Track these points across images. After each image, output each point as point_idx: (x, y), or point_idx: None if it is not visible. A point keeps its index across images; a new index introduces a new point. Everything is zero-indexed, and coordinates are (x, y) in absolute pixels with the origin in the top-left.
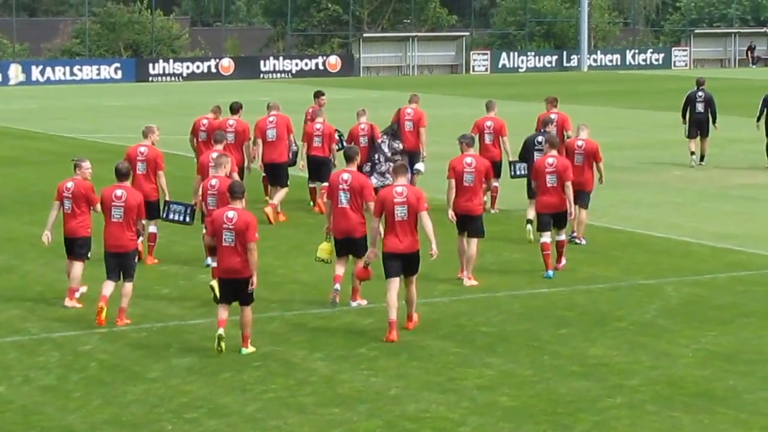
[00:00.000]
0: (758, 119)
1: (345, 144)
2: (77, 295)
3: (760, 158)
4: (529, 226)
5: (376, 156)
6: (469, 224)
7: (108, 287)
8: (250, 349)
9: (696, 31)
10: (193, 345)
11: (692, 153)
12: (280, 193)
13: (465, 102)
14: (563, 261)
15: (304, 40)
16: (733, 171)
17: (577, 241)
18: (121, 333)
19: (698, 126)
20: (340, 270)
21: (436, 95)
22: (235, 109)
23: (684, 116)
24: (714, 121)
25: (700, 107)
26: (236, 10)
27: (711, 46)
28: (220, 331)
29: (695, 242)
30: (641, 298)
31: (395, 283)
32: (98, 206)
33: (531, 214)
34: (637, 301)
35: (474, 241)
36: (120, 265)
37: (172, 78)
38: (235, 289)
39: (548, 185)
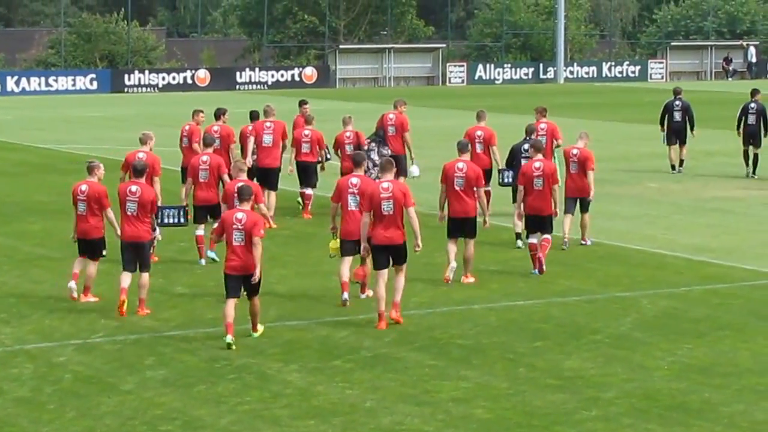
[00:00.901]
0: (738, 127)
1: (332, 151)
2: (74, 290)
3: (736, 171)
4: (519, 242)
5: (365, 164)
6: (464, 227)
7: (126, 279)
8: (260, 330)
9: (672, 43)
10: (168, 357)
11: (672, 165)
12: (271, 199)
13: (441, 114)
14: (543, 260)
15: (280, 51)
16: (708, 184)
17: (583, 242)
18: (95, 345)
19: (676, 134)
20: (345, 275)
21: (412, 107)
22: (218, 114)
23: (662, 124)
24: (692, 129)
25: (677, 116)
26: (212, 21)
27: (687, 59)
28: (229, 339)
29: (671, 255)
30: (617, 311)
31: (384, 274)
32: (109, 211)
33: (519, 227)
34: (612, 313)
35: (471, 241)
36: (136, 255)
37: (148, 89)
38: (244, 283)
39: (535, 188)
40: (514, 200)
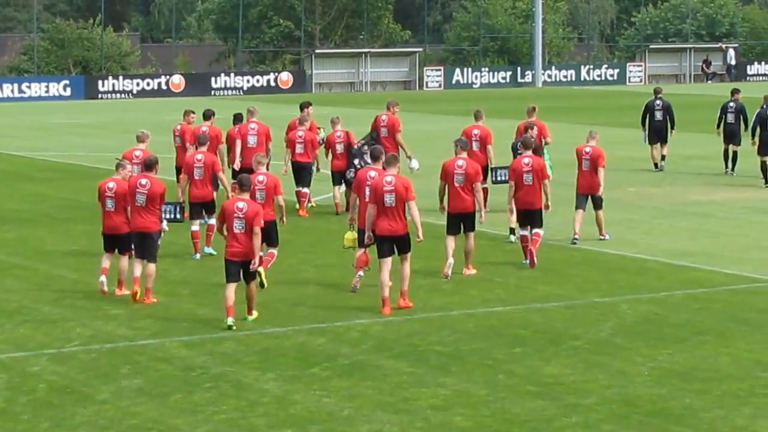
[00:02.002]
0: (718, 126)
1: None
2: (105, 284)
3: (716, 174)
4: (512, 237)
5: (357, 161)
6: (464, 221)
7: (138, 268)
8: (255, 315)
9: (651, 46)
10: (143, 366)
11: (655, 163)
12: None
13: (418, 118)
14: (535, 254)
15: (255, 56)
16: (688, 188)
17: (602, 237)
18: (70, 354)
19: (657, 133)
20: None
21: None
22: (207, 115)
23: (643, 124)
24: (673, 127)
25: (658, 115)
26: (187, 26)
27: (666, 62)
28: (230, 321)
29: (651, 259)
30: (596, 317)
31: (387, 262)
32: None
33: (512, 222)
34: (592, 319)
35: (471, 234)
36: (143, 245)
37: (122, 95)
38: (243, 270)
39: (525, 183)
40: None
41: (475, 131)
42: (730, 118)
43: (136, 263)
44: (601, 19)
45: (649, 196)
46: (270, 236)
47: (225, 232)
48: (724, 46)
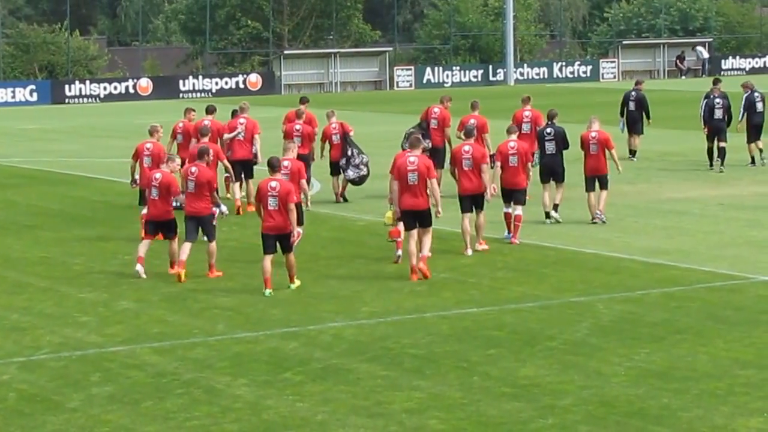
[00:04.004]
0: (703, 120)
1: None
2: (142, 272)
3: (691, 171)
4: (549, 215)
5: (350, 150)
6: (475, 201)
7: (185, 250)
8: (297, 283)
9: (624, 42)
10: (114, 373)
11: (631, 151)
12: (249, 187)
13: (389, 119)
14: (517, 237)
15: (223, 58)
16: (663, 185)
17: (598, 219)
18: (39, 362)
19: (633, 124)
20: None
21: (359, 112)
22: (210, 110)
23: (621, 114)
24: (648, 118)
25: (632, 106)
26: (154, 29)
27: (639, 58)
28: (268, 292)
29: (626, 258)
30: (572, 317)
31: (413, 234)
32: (181, 197)
33: (556, 198)
34: (568, 319)
35: (482, 212)
36: (198, 226)
37: (89, 99)
38: (279, 242)
39: (510, 165)
40: (543, 181)
41: (472, 121)
42: (718, 114)
43: (186, 244)
44: (573, 16)
45: (623, 193)
46: (297, 216)
47: (261, 211)
48: (692, 47)
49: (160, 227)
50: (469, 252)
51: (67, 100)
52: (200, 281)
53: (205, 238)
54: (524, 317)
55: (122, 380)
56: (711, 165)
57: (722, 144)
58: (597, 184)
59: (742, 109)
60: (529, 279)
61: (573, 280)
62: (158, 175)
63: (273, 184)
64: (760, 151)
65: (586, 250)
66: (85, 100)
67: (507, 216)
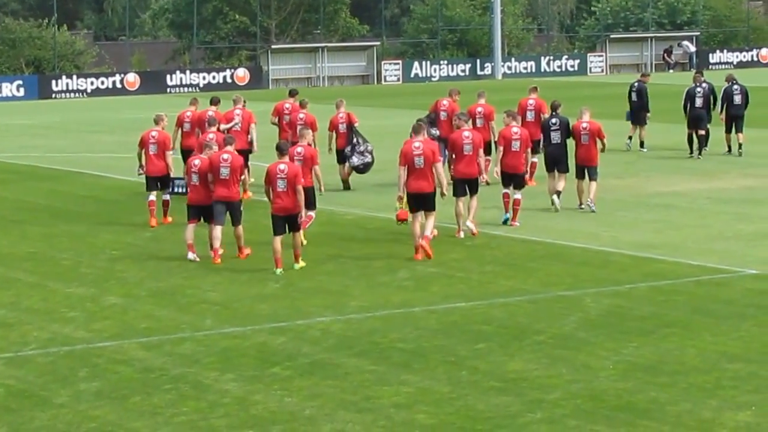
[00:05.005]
0: (684, 110)
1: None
2: (195, 257)
3: (679, 165)
4: (554, 199)
5: (355, 139)
6: (470, 186)
7: (218, 235)
8: (301, 263)
9: (611, 36)
10: (102, 368)
11: (640, 142)
12: (246, 176)
13: (376, 113)
14: (517, 220)
15: (211, 53)
16: (651, 179)
17: (590, 206)
18: (27, 358)
19: (634, 114)
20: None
21: (347, 106)
22: (215, 101)
23: (629, 104)
24: (647, 111)
25: (634, 96)
26: (141, 23)
27: (627, 51)
28: (279, 271)
29: (614, 252)
30: (560, 311)
31: (418, 216)
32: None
33: (558, 185)
34: (556, 313)
35: (475, 196)
36: (228, 210)
37: (77, 94)
38: (288, 222)
39: (512, 150)
40: (548, 170)
41: (479, 108)
42: (699, 102)
43: (215, 228)
44: (560, 10)
45: (611, 188)
46: (309, 200)
47: (270, 194)
48: (678, 42)
49: (202, 211)
50: (461, 235)
51: (54, 95)
52: (189, 276)
53: (232, 222)
54: (512, 311)
55: (110, 376)
56: (691, 153)
57: (701, 132)
58: (586, 174)
59: (720, 101)
60: (518, 273)
61: (561, 274)
62: (197, 162)
63: (281, 167)
64: (740, 145)
65: (574, 244)
66: (72, 95)
67: (506, 196)
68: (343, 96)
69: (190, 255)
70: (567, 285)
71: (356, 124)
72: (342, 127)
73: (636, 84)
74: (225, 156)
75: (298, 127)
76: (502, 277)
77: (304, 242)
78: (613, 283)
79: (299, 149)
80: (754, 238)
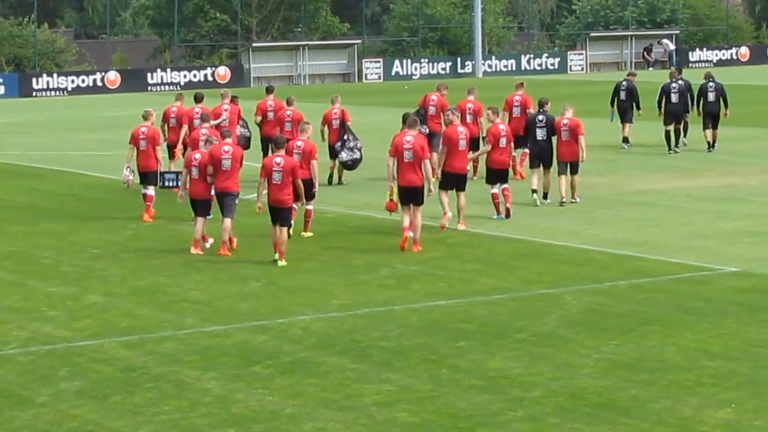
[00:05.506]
0: (659, 105)
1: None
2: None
3: (659, 163)
4: (534, 195)
5: (346, 135)
6: (459, 181)
7: (225, 223)
8: (284, 263)
9: (592, 34)
10: (83, 368)
11: (624, 138)
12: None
13: (358, 111)
14: (510, 208)
15: (192, 51)
16: (631, 177)
17: (573, 200)
18: (7, 357)
19: (623, 113)
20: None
21: (328, 104)
22: (199, 98)
23: (612, 104)
24: (638, 108)
25: (623, 95)
26: (122, 22)
27: (607, 50)
28: (277, 256)
29: (595, 250)
30: (541, 309)
31: (407, 209)
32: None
33: (545, 185)
34: (537, 311)
35: (462, 194)
36: (223, 203)
37: (57, 92)
38: (281, 215)
39: (500, 146)
40: (532, 166)
41: (469, 105)
42: (674, 98)
43: (224, 222)
44: (540, 8)
45: (591, 186)
46: (308, 192)
47: (265, 187)
48: (657, 41)
49: (199, 205)
50: (449, 215)
51: (34, 93)
52: (170, 274)
53: (226, 216)
54: (493, 309)
55: (91, 375)
56: (669, 149)
57: (678, 126)
58: (568, 169)
59: (696, 98)
60: (499, 271)
61: (542, 272)
62: (198, 156)
63: (278, 160)
64: (711, 143)
65: (555, 243)
66: (53, 93)
67: (495, 197)
68: (324, 94)
69: (193, 250)
70: (548, 283)
71: (349, 123)
72: (335, 123)
73: (624, 83)
74: (226, 148)
75: (300, 123)
76: (484, 275)
77: (310, 234)
78: (594, 281)
79: (299, 143)
80: (734, 236)
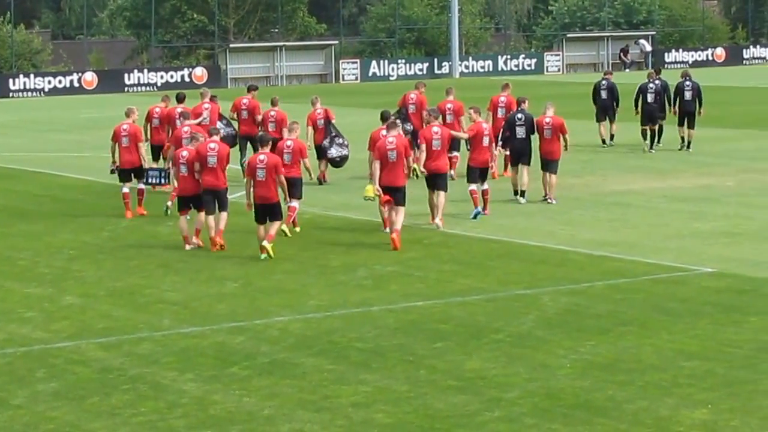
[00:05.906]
0: (635, 104)
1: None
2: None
3: (635, 163)
4: (519, 198)
5: (333, 131)
6: (438, 181)
7: (209, 221)
8: (265, 255)
9: (568, 35)
10: (59, 369)
11: (602, 140)
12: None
13: (335, 111)
14: (488, 209)
15: (169, 51)
16: (608, 177)
17: (549, 201)
18: None
19: (604, 111)
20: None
21: (305, 105)
22: (181, 98)
23: (595, 102)
24: (617, 105)
25: (603, 94)
26: (99, 22)
27: (584, 51)
28: (263, 256)
29: (571, 250)
30: (518, 309)
31: (391, 208)
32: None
33: (523, 182)
34: (513, 312)
35: (442, 193)
36: (215, 199)
37: (34, 93)
38: (268, 211)
39: (483, 145)
40: (512, 163)
41: (449, 105)
42: (650, 98)
43: (209, 219)
44: (517, 9)
45: (568, 186)
46: (296, 189)
47: (250, 186)
48: (635, 41)
49: (191, 201)
50: (437, 220)
51: (11, 94)
52: (147, 275)
53: (219, 208)
54: (470, 310)
55: (68, 376)
56: (645, 140)
57: (654, 127)
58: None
59: (672, 96)
60: (475, 272)
61: (519, 272)
62: (185, 153)
63: (261, 157)
64: (687, 143)
65: (531, 243)
66: (30, 93)
67: (473, 193)
68: (301, 95)
69: (188, 246)
70: (525, 283)
71: (333, 121)
72: (320, 123)
73: (604, 82)
74: (212, 145)
75: (288, 122)
76: (460, 276)
77: (298, 230)
78: (571, 281)
79: (289, 142)
80: (710, 237)
